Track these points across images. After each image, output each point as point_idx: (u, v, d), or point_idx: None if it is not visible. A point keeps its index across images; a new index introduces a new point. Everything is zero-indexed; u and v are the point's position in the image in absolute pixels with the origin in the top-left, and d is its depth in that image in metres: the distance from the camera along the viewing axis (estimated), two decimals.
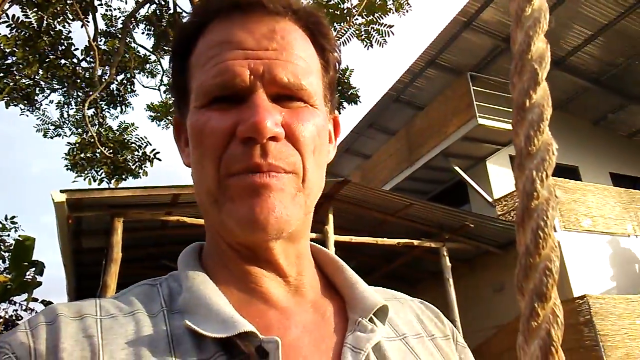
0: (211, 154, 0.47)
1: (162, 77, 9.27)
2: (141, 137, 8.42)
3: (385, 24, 7.17)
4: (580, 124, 11.51)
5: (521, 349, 0.26)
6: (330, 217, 6.93)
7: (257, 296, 0.50)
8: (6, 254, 12.74)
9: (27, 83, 8.12)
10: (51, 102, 14.40)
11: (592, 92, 10.77)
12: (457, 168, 9.91)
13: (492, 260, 8.62)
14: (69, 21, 7.44)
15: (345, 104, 7.69)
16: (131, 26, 8.12)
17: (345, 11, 6.98)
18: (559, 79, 10.40)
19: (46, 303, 10.83)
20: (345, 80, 8.09)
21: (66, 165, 8.03)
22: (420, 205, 7.41)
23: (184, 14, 7.76)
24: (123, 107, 8.96)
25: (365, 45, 7.26)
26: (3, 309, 12.25)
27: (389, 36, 7.19)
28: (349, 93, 8.18)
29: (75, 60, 7.97)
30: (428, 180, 11.02)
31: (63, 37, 7.55)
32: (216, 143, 0.47)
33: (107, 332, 0.43)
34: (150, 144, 8.31)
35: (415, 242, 7.69)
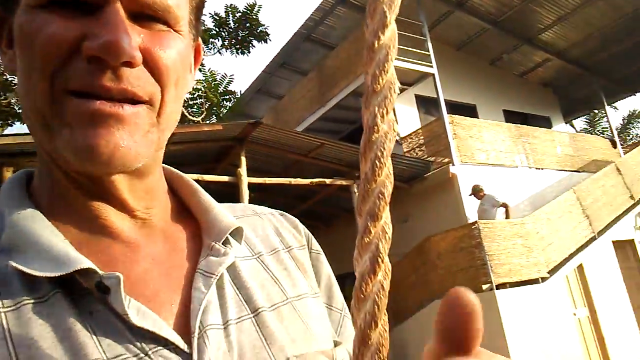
0: (44, 66, 0.39)
1: None
2: None
3: None
4: (479, 64, 12.18)
5: (355, 261, 0.30)
6: (243, 159, 6.88)
7: (99, 230, 0.45)
8: None
9: None
10: None
11: (489, 33, 11.36)
12: None
13: (398, 194, 9.17)
14: None
15: (254, 42, 7.44)
16: None
17: None
18: (460, 20, 10.83)
19: None
20: (254, 17, 7.77)
21: None
22: (331, 145, 7.58)
23: None
24: None
25: None
26: None
27: None
28: (258, 31, 7.90)
29: None
30: (340, 120, 11.21)
31: None
32: (52, 54, 0.39)
33: None
34: None
35: (328, 181, 7.92)
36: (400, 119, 10.31)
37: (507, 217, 7.89)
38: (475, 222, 7.41)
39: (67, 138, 0.40)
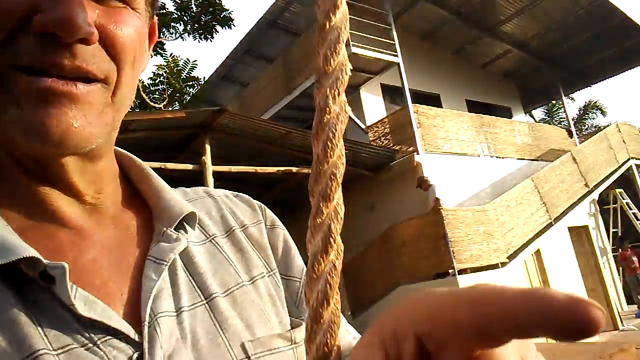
0: None
1: None
2: None
3: None
4: (443, 54, 12.37)
5: (308, 242, 0.30)
6: (208, 147, 6.78)
7: (46, 216, 0.43)
8: None
9: None
10: None
11: (453, 24, 11.53)
12: None
13: (364, 183, 9.27)
14: None
15: (218, 27, 7.28)
16: None
17: None
18: (425, 10, 10.94)
19: None
20: (217, 2, 7.61)
21: None
22: (298, 133, 7.56)
23: None
24: None
25: None
26: None
27: None
28: (222, 16, 7.74)
29: None
30: (306, 108, 11.18)
31: None
32: (2, 27, 0.36)
33: None
34: None
35: (294, 169, 7.91)
36: (366, 108, 10.37)
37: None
38: (439, 209, 7.58)
39: (14, 117, 0.37)
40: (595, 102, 24.65)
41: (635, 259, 10.87)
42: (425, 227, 7.65)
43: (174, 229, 0.48)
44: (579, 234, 10.65)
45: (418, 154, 8.71)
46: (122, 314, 0.41)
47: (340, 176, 0.31)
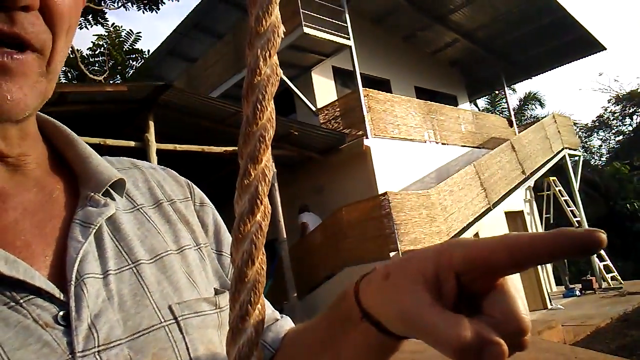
0: None
1: None
2: None
3: None
4: (394, 39, 12.52)
5: (235, 203, 0.30)
6: (151, 124, 6.55)
7: None
8: None
9: None
10: None
11: (404, 10, 11.67)
12: (284, 77, 10.07)
13: (313, 165, 9.31)
14: None
15: None
16: None
17: None
18: None
19: None
20: None
21: None
22: None
23: None
24: None
25: None
26: None
27: None
28: None
29: None
30: None
31: None
32: None
33: None
34: None
35: None
36: (317, 90, 10.36)
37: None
38: (385, 192, 7.76)
39: None
40: (535, 94, 25.92)
41: None
42: (371, 210, 7.81)
43: (102, 195, 0.48)
44: (514, 219, 11.24)
45: (367, 138, 8.82)
46: (46, 275, 0.41)
47: (269, 139, 0.31)
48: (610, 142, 28.06)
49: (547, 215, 13.42)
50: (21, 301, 0.38)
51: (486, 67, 14.51)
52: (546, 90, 54.47)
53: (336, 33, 9.40)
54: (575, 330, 7.56)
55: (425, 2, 11.46)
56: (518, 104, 25.85)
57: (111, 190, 0.49)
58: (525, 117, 25.49)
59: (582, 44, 13.54)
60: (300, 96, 9.69)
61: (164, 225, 0.53)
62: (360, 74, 9.42)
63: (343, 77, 10.85)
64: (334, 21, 9.44)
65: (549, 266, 12.74)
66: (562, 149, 13.67)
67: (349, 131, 9.15)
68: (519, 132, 13.35)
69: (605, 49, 13.86)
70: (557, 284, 13.20)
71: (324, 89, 10.50)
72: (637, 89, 25.40)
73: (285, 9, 9.47)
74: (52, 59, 0.41)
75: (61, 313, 0.39)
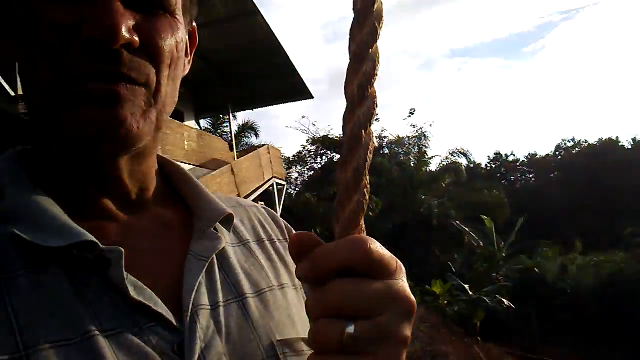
0: (46, 52, 0.41)
1: None
2: None
3: None
4: None
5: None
6: None
7: (94, 210, 0.47)
8: None
9: None
10: None
11: None
12: None
13: None
14: None
15: None
16: None
17: None
18: None
19: None
20: None
21: None
22: None
23: None
24: None
25: None
26: None
27: None
28: None
29: None
30: None
31: None
32: (54, 39, 0.40)
33: None
34: None
35: None
36: None
37: None
38: None
39: (72, 117, 0.41)
40: (252, 124, 28.39)
41: None
42: None
43: (213, 229, 0.52)
44: None
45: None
46: (164, 302, 0.43)
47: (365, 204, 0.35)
48: (304, 175, 33.07)
49: None
50: (144, 327, 0.41)
51: (215, 91, 15.16)
52: (260, 122, 60.86)
53: None
54: None
55: None
56: (237, 130, 27.77)
57: (220, 226, 0.53)
58: (242, 144, 27.58)
59: (297, 90, 15.71)
60: None
61: (266, 262, 0.57)
62: None
63: None
64: None
65: None
66: (272, 177, 15.36)
67: None
68: (238, 157, 14.36)
69: (312, 97, 16.44)
70: None
71: None
72: (328, 134, 30.79)
73: None
74: (158, 91, 0.45)
75: (176, 344, 0.42)
